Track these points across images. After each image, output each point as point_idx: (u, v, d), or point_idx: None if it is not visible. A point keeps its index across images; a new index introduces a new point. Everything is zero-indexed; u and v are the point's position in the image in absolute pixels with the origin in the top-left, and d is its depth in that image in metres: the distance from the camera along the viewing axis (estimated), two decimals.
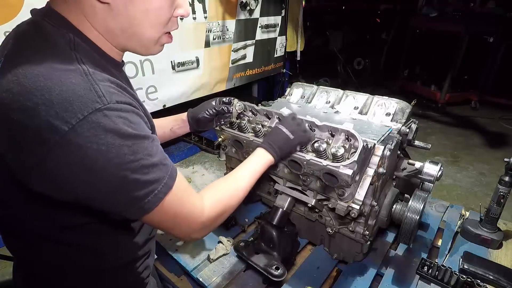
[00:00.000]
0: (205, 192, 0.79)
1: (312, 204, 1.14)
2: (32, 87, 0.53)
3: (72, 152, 0.53)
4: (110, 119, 0.55)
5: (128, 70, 2.40)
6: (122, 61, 0.75)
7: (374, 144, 1.07)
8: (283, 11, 3.77)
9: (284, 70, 4.17)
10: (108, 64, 0.67)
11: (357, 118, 1.35)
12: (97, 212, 0.63)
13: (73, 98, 0.53)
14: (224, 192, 0.83)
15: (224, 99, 1.18)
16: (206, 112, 1.13)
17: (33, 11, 0.66)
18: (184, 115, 1.16)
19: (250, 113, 1.26)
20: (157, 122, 1.12)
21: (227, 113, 1.16)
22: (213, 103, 1.17)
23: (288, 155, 1.03)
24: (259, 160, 0.96)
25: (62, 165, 0.54)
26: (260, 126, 1.15)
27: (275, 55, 3.94)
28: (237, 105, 1.17)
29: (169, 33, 0.72)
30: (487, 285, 1.11)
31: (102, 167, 0.55)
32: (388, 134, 1.20)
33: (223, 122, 1.19)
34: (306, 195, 1.16)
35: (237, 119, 1.20)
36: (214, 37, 3.03)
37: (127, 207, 0.61)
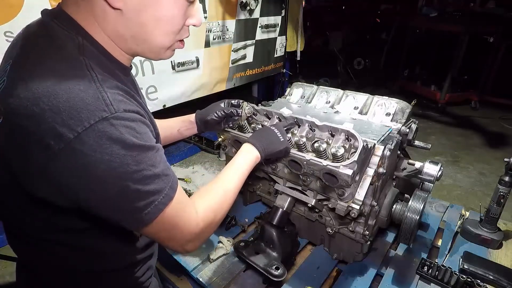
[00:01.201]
0: (197, 199, 0.75)
1: (312, 204, 1.14)
2: (39, 93, 0.53)
3: (76, 160, 0.53)
4: (116, 128, 0.55)
5: None
6: (130, 65, 0.75)
7: (374, 144, 1.07)
8: (283, 11, 3.77)
9: (284, 70, 4.16)
10: (116, 69, 0.67)
11: (357, 118, 1.35)
12: (100, 218, 0.63)
13: (80, 105, 0.53)
14: (215, 199, 0.79)
15: (232, 101, 1.17)
16: (215, 114, 1.12)
17: (43, 12, 0.65)
18: (192, 117, 1.15)
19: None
20: (164, 122, 1.12)
21: (236, 116, 1.14)
22: (222, 105, 1.15)
23: (272, 156, 1.01)
24: (246, 158, 0.93)
25: (65, 172, 0.54)
26: (260, 126, 1.15)
27: (275, 55, 3.94)
28: (247, 108, 1.15)
29: (183, 40, 0.72)
30: (487, 285, 1.11)
31: (104, 176, 0.55)
32: (388, 134, 1.20)
33: (231, 125, 1.17)
34: (306, 195, 1.16)
35: (246, 122, 1.18)
36: (214, 37, 3.03)
37: (127, 217, 0.60)
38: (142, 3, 0.60)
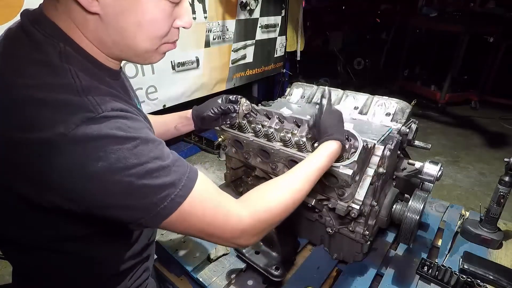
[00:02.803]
0: (249, 195, 0.72)
1: (312, 204, 1.14)
2: (25, 101, 0.52)
3: (72, 163, 0.52)
4: (105, 126, 0.53)
5: (128, 70, 2.40)
6: (120, 68, 0.72)
7: (374, 144, 1.07)
8: (283, 11, 3.77)
9: (284, 70, 4.17)
10: (103, 74, 0.64)
11: (357, 118, 1.35)
12: (101, 222, 0.61)
13: (66, 109, 0.52)
14: (271, 196, 0.73)
15: (230, 97, 1.13)
16: (212, 110, 1.08)
17: (23, 14, 0.62)
18: (188, 113, 1.12)
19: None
20: (160, 118, 1.09)
21: (233, 113, 1.11)
22: (219, 101, 1.12)
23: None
24: (323, 152, 0.84)
25: (65, 177, 0.52)
26: (260, 126, 1.14)
27: (275, 55, 3.94)
28: (245, 104, 1.11)
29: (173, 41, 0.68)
30: (487, 285, 1.11)
31: (104, 175, 0.53)
32: (388, 134, 1.20)
33: (228, 122, 1.14)
34: None
35: (243, 120, 1.16)
36: (214, 37, 3.03)
37: (143, 214, 0.57)
38: (121, 7, 0.56)
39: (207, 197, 0.63)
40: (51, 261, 0.70)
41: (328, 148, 0.86)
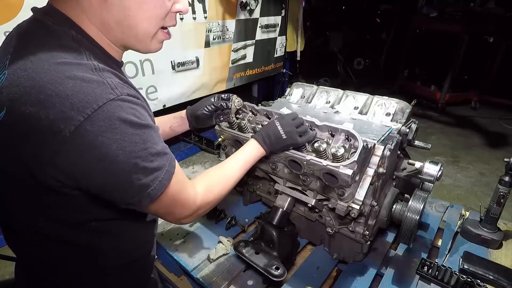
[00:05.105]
0: (198, 180, 0.82)
1: (312, 204, 1.14)
2: (44, 81, 0.54)
3: (87, 142, 0.54)
4: (123, 109, 0.57)
5: (128, 70, 2.40)
6: (122, 61, 0.75)
7: (374, 144, 1.07)
8: (283, 11, 3.77)
9: (284, 70, 4.17)
10: (109, 61, 0.68)
11: (357, 118, 1.35)
12: (103, 208, 0.64)
13: (86, 89, 0.55)
14: (215, 181, 0.86)
15: (222, 95, 1.18)
16: (205, 108, 1.13)
17: (34, 9, 0.66)
18: (183, 113, 1.16)
19: (250, 113, 1.26)
20: (156, 120, 1.12)
21: (226, 109, 1.16)
22: (212, 99, 1.17)
23: (279, 151, 1.05)
24: (251, 151, 0.98)
25: (77, 155, 0.55)
26: (260, 126, 1.15)
27: (275, 55, 3.94)
28: (236, 101, 1.16)
29: (167, 29, 0.73)
30: (487, 285, 1.11)
31: (116, 156, 0.56)
32: (388, 134, 1.20)
33: (222, 119, 1.18)
34: (306, 195, 1.16)
35: (236, 115, 1.19)
36: (214, 37, 3.03)
37: (135, 195, 0.62)
38: None
39: (178, 180, 0.70)
40: (55, 252, 0.72)
41: (251, 145, 1.00)
